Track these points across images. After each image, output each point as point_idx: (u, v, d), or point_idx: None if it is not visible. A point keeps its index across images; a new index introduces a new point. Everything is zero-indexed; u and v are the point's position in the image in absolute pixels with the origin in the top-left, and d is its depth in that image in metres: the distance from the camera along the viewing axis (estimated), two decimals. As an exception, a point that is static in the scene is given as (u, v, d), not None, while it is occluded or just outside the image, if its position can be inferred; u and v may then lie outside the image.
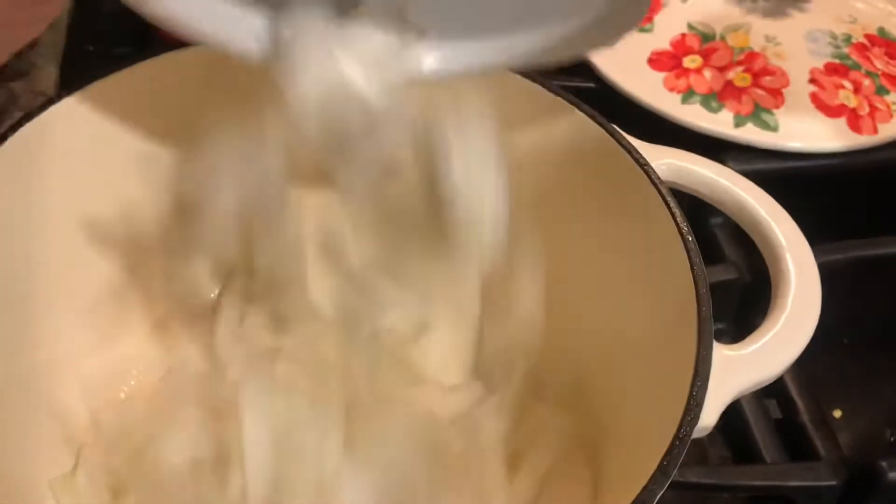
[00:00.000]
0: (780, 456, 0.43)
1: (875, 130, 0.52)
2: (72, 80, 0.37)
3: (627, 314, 0.34)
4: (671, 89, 0.54)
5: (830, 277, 0.50)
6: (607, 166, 0.34)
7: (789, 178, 0.52)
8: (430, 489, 0.33)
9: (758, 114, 0.52)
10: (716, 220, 0.52)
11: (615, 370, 0.33)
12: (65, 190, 0.35)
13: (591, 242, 0.36)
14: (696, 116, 0.52)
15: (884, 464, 0.40)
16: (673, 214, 0.31)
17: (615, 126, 0.35)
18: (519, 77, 0.36)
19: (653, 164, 0.33)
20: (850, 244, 0.49)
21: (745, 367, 0.28)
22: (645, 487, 0.25)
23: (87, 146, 0.36)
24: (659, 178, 0.32)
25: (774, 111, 0.52)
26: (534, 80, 0.36)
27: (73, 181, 0.35)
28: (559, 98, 0.36)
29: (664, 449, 0.26)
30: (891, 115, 0.53)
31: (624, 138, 0.34)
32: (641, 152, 0.33)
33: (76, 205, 0.36)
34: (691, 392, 0.26)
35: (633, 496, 0.25)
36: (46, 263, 0.35)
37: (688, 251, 0.30)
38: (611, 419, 0.34)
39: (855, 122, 0.53)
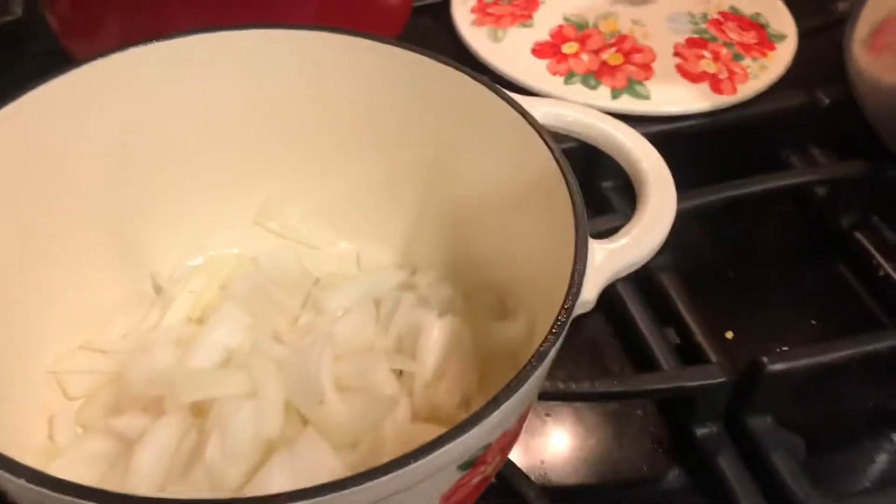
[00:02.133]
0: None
1: (735, 91, 0.60)
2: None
3: (524, 230, 0.40)
4: (554, 73, 0.60)
5: (710, 218, 0.57)
6: (495, 118, 0.40)
7: (665, 139, 0.58)
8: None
9: (632, 86, 0.59)
10: (606, 184, 0.59)
11: (534, 282, 0.39)
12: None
13: (489, 181, 0.42)
14: (578, 94, 0.59)
15: (765, 359, 0.46)
16: (549, 146, 0.37)
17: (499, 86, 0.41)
18: (413, 53, 0.42)
19: (531, 112, 0.39)
20: (722, 186, 0.55)
21: (617, 254, 0.34)
22: (537, 350, 0.30)
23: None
24: (536, 121, 0.38)
25: (645, 83, 0.59)
26: (425, 54, 0.42)
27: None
28: (450, 67, 0.41)
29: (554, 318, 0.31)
30: (747, 77, 0.61)
31: (506, 94, 0.40)
32: (521, 103, 0.39)
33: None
34: (573, 274, 0.32)
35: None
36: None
37: (563, 173, 0.36)
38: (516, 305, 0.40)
39: (716, 86, 0.60)
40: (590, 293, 0.33)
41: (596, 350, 0.53)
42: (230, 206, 0.48)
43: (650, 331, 0.51)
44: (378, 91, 0.44)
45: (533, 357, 0.30)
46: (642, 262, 0.35)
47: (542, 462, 0.47)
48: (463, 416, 0.39)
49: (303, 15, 0.58)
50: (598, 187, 0.59)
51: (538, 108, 0.40)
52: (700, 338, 0.51)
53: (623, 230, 0.36)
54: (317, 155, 0.47)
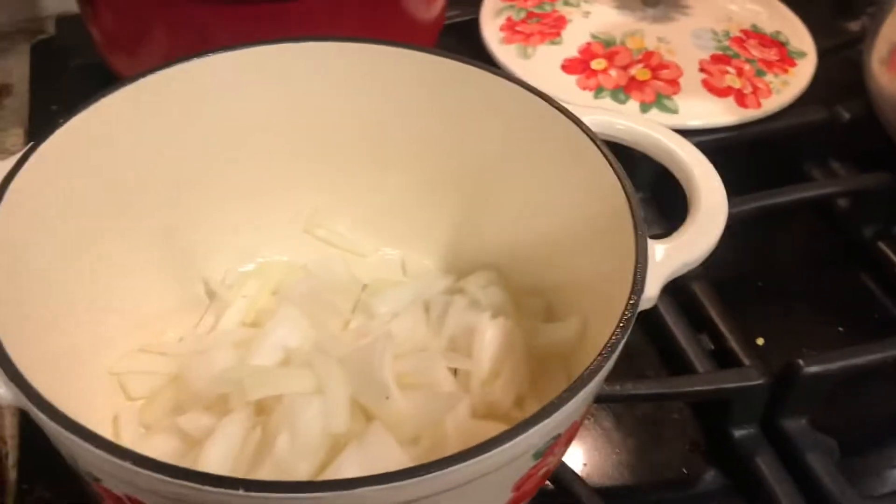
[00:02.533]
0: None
1: (759, 105, 0.62)
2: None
3: (573, 233, 0.41)
4: (584, 88, 0.62)
5: (741, 228, 0.59)
6: (544, 125, 0.42)
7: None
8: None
9: (660, 101, 0.61)
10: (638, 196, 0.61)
11: (587, 286, 0.40)
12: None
13: (536, 187, 0.43)
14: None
15: (800, 361, 0.47)
16: (602, 151, 0.39)
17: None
18: (468, 66, 0.44)
19: (583, 119, 0.41)
20: (750, 197, 0.57)
21: (676, 252, 0.36)
22: (608, 341, 0.32)
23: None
24: (589, 128, 0.40)
25: (673, 97, 0.61)
26: (479, 66, 0.44)
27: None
28: (504, 79, 0.43)
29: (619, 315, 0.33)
30: (770, 92, 0.63)
31: (556, 101, 0.41)
32: (573, 111, 0.41)
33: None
34: (636, 271, 0.34)
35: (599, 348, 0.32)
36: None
37: (619, 178, 0.38)
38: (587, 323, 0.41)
39: (741, 100, 0.62)
40: (652, 289, 0.34)
41: (631, 357, 0.54)
42: (280, 216, 0.49)
43: (685, 337, 0.53)
44: (422, 101, 0.46)
45: (605, 348, 0.31)
46: (699, 261, 0.37)
47: (585, 465, 0.48)
48: (518, 414, 0.41)
49: (337, 32, 0.60)
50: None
51: (588, 116, 0.41)
52: (733, 343, 0.52)
53: (679, 231, 0.37)
54: (363, 164, 0.49)
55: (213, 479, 0.27)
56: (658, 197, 0.60)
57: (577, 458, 0.48)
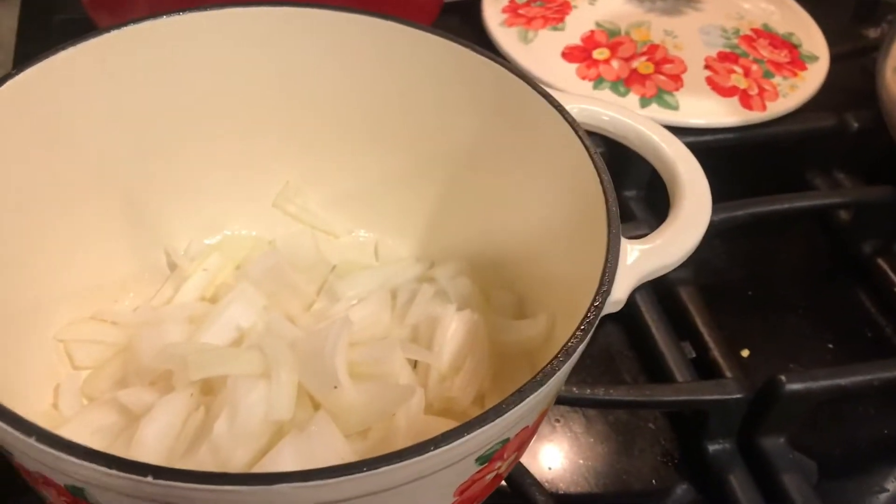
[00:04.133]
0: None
1: (764, 107, 0.59)
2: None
3: (550, 228, 0.39)
4: (583, 77, 0.60)
5: (735, 235, 0.56)
6: (529, 112, 0.39)
7: (692, 152, 0.58)
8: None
9: (661, 96, 0.59)
10: (629, 193, 0.58)
11: (558, 284, 0.38)
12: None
13: (517, 176, 0.41)
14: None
15: (783, 377, 0.45)
16: (583, 142, 0.36)
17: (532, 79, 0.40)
18: (450, 43, 0.41)
19: (567, 107, 0.38)
20: (746, 202, 0.55)
21: (650, 255, 0.34)
22: (565, 345, 0.29)
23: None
24: (572, 117, 0.38)
25: (675, 93, 0.59)
26: (463, 44, 0.41)
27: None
28: (484, 58, 0.41)
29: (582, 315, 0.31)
30: (777, 95, 0.60)
31: (543, 89, 0.39)
32: (557, 98, 0.39)
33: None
34: (604, 271, 0.31)
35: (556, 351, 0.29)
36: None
37: (597, 171, 0.35)
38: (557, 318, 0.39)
39: (746, 101, 0.59)
40: (620, 292, 0.32)
41: (610, 360, 0.52)
42: (250, 188, 0.47)
43: (666, 344, 0.50)
44: (408, 79, 0.44)
45: (560, 352, 0.29)
46: (674, 265, 0.34)
47: (550, 468, 0.46)
48: (477, 412, 0.39)
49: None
50: (621, 197, 0.58)
51: (574, 105, 0.39)
52: (716, 353, 0.50)
53: (656, 232, 0.35)
54: (341, 141, 0.46)
55: (120, 462, 0.25)
56: (653, 196, 0.58)
57: (541, 461, 0.46)
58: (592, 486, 0.46)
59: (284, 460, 0.32)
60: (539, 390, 0.28)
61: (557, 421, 0.48)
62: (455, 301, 0.42)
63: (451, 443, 0.26)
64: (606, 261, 0.32)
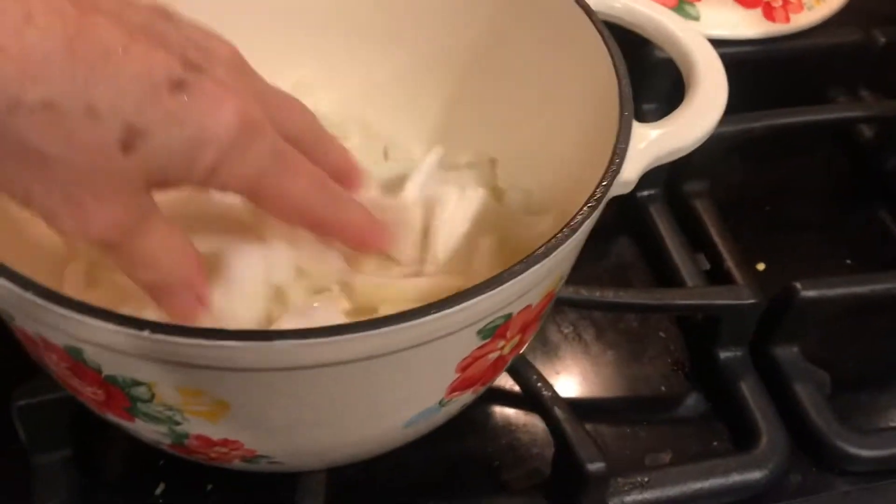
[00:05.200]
0: (705, 291, 0.48)
1: (787, 19, 0.58)
2: None
3: (562, 119, 0.39)
4: (602, -13, 0.58)
5: (754, 148, 0.55)
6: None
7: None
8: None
9: (682, 6, 0.57)
10: (648, 107, 0.57)
11: (561, 172, 0.38)
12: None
13: (528, 66, 0.40)
14: (624, 11, 0.57)
15: (798, 284, 0.44)
16: (597, 26, 0.35)
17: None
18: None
19: (579, -5, 0.37)
20: (765, 113, 0.53)
21: (663, 138, 0.33)
22: (571, 220, 0.29)
23: None
24: (585, 2, 0.37)
25: (696, 3, 0.57)
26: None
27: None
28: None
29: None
30: (802, 7, 0.58)
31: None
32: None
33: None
34: (615, 150, 0.31)
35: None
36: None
37: (610, 54, 0.34)
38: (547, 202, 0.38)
39: (770, 13, 0.58)
40: (631, 172, 0.31)
41: (621, 270, 0.52)
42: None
43: (679, 254, 0.50)
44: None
45: (566, 226, 0.28)
46: (689, 149, 0.34)
47: (558, 373, 0.46)
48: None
49: None
50: (640, 109, 0.57)
51: (583, -8, 0.38)
52: (730, 264, 0.50)
53: (671, 115, 0.34)
54: (351, 38, 0.46)
55: (116, 317, 0.25)
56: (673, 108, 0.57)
57: (550, 365, 0.46)
58: (600, 392, 0.46)
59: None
60: (542, 262, 0.27)
61: (566, 328, 0.48)
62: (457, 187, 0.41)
63: (451, 307, 0.26)
64: (618, 139, 0.31)
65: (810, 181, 0.58)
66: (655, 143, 0.33)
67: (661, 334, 0.48)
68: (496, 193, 0.43)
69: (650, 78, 0.55)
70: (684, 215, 0.52)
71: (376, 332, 0.25)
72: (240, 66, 0.31)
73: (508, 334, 0.30)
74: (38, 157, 0.25)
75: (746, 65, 0.57)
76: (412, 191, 0.43)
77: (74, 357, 0.27)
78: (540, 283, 0.29)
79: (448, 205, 0.38)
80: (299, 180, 0.31)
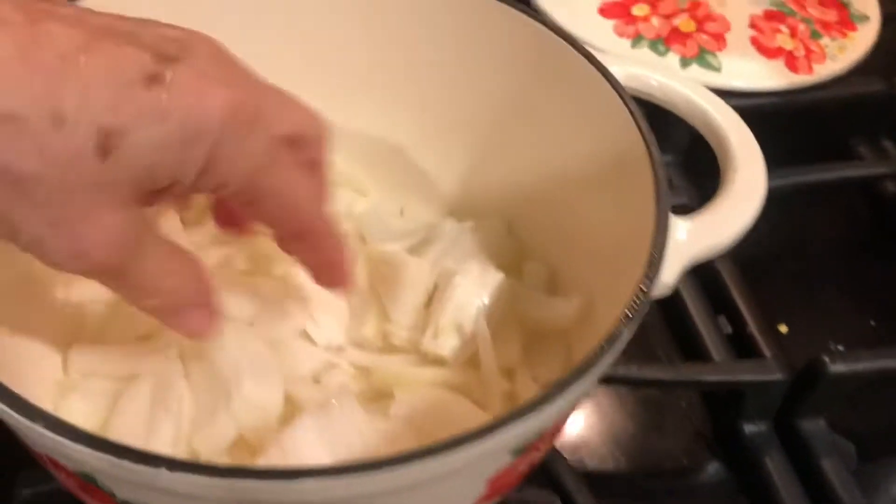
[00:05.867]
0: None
1: (811, 70, 0.56)
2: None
3: (589, 198, 0.37)
4: (621, 35, 0.57)
5: (772, 205, 0.54)
6: (570, 74, 0.37)
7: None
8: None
9: (703, 56, 0.56)
10: (667, 158, 0.56)
11: (596, 259, 0.36)
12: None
13: (555, 140, 0.39)
14: (645, 60, 0.55)
15: (826, 358, 0.43)
16: (629, 108, 0.34)
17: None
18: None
19: (612, 71, 0.36)
20: (789, 171, 0.52)
21: (701, 233, 0.31)
22: (611, 333, 0.27)
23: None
24: (614, 77, 0.35)
25: (717, 53, 0.56)
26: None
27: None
28: (522, 14, 0.38)
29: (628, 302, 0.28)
30: (825, 57, 0.57)
31: (586, 49, 0.37)
32: (601, 60, 0.36)
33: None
34: (652, 250, 0.29)
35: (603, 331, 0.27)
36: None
37: (646, 142, 0.33)
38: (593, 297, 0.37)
39: (792, 63, 0.56)
40: (670, 275, 0.30)
41: (642, 333, 0.50)
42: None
43: (702, 318, 0.48)
44: (441, 32, 0.41)
45: (603, 341, 0.27)
46: (728, 246, 0.32)
47: (579, 445, 0.45)
48: (505, 385, 0.37)
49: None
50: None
51: (620, 68, 0.36)
52: (753, 329, 0.48)
53: (708, 206, 0.33)
54: (368, 96, 0.44)
55: (132, 453, 0.23)
56: (691, 161, 0.55)
57: (571, 437, 0.45)
58: (621, 464, 0.45)
59: (304, 437, 0.31)
60: (578, 383, 0.26)
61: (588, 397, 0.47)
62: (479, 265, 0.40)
63: (486, 438, 0.24)
64: (655, 238, 0.30)
65: (833, 236, 0.56)
66: (693, 238, 0.31)
67: (683, 404, 0.47)
68: (516, 267, 0.42)
69: (670, 128, 0.53)
70: (705, 275, 0.51)
71: (411, 466, 0.24)
72: (226, 59, 0.28)
73: (541, 447, 0.29)
74: (12, 178, 0.23)
75: (768, 116, 0.56)
76: (428, 255, 0.41)
77: (85, 479, 0.26)
78: (575, 398, 0.28)
79: (463, 281, 0.37)
80: (295, 181, 0.29)
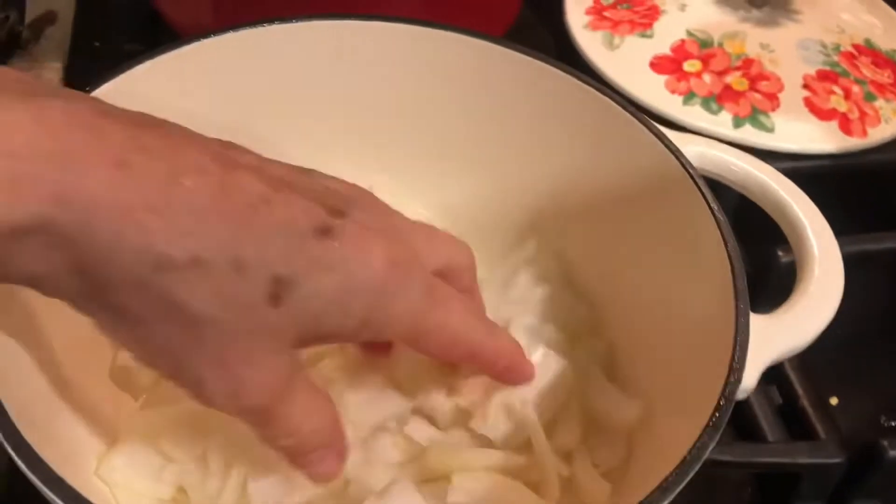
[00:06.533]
0: (782, 437, 0.45)
1: (865, 134, 0.55)
2: (77, 77, 0.37)
3: (671, 293, 0.36)
4: (673, 91, 0.56)
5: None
6: (637, 152, 0.36)
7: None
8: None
9: (756, 116, 0.55)
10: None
11: (660, 346, 0.35)
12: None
13: (629, 230, 0.38)
14: (696, 118, 0.55)
15: (885, 443, 0.42)
16: (705, 196, 0.33)
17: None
18: (550, 67, 0.38)
19: (682, 150, 0.35)
20: (844, 239, 0.51)
21: (780, 333, 0.30)
22: (696, 442, 0.26)
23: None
24: (690, 163, 0.34)
25: (770, 114, 0.55)
26: (565, 70, 0.38)
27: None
28: (587, 86, 0.37)
29: (710, 410, 0.27)
30: (879, 120, 0.56)
31: (655, 127, 0.36)
32: (671, 138, 0.35)
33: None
34: (733, 356, 0.28)
35: (683, 453, 0.26)
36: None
37: (721, 231, 0.32)
38: (656, 390, 0.35)
39: (846, 126, 0.55)
40: (750, 378, 0.29)
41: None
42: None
43: (754, 391, 0.47)
44: (491, 98, 0.41)
45: (688, 454, 0.26)
46: (806, 345, 0.31)
47: (625, 521, 0.44)
48: (563, 470, 0.36)
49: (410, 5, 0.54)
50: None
51: (690, 147, 0.36)
52: (805, 402, 0.47)
53: (786, 304, 0.32)
54: (421, 160, 0.44)
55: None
56: (741, 224, 0.54)
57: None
58: (670, 543, 0.43)
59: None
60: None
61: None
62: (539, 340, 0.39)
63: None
64: (736, 340, 0.29)
65: (886, 306, 0.55)
66: (772, 337, 0.30)
67: (733, 480, 0.46)
68: (571, 342, 0.40)
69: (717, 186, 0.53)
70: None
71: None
72: (379, 207, 0.30)
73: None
74: (188, 319, 0.25)
75: (821, 180, 0.55)
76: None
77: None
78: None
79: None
80: (453, 312, 0.30)
